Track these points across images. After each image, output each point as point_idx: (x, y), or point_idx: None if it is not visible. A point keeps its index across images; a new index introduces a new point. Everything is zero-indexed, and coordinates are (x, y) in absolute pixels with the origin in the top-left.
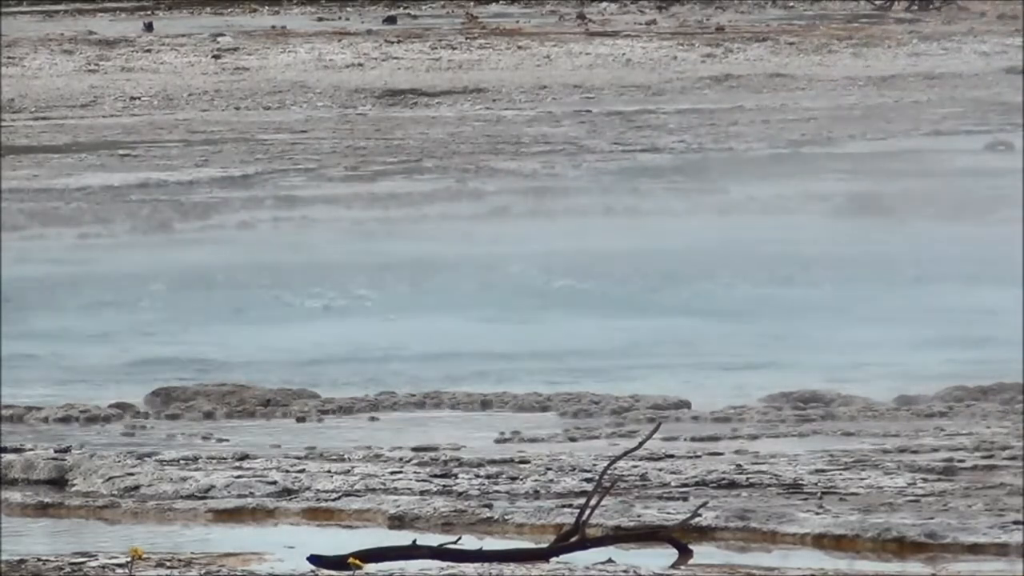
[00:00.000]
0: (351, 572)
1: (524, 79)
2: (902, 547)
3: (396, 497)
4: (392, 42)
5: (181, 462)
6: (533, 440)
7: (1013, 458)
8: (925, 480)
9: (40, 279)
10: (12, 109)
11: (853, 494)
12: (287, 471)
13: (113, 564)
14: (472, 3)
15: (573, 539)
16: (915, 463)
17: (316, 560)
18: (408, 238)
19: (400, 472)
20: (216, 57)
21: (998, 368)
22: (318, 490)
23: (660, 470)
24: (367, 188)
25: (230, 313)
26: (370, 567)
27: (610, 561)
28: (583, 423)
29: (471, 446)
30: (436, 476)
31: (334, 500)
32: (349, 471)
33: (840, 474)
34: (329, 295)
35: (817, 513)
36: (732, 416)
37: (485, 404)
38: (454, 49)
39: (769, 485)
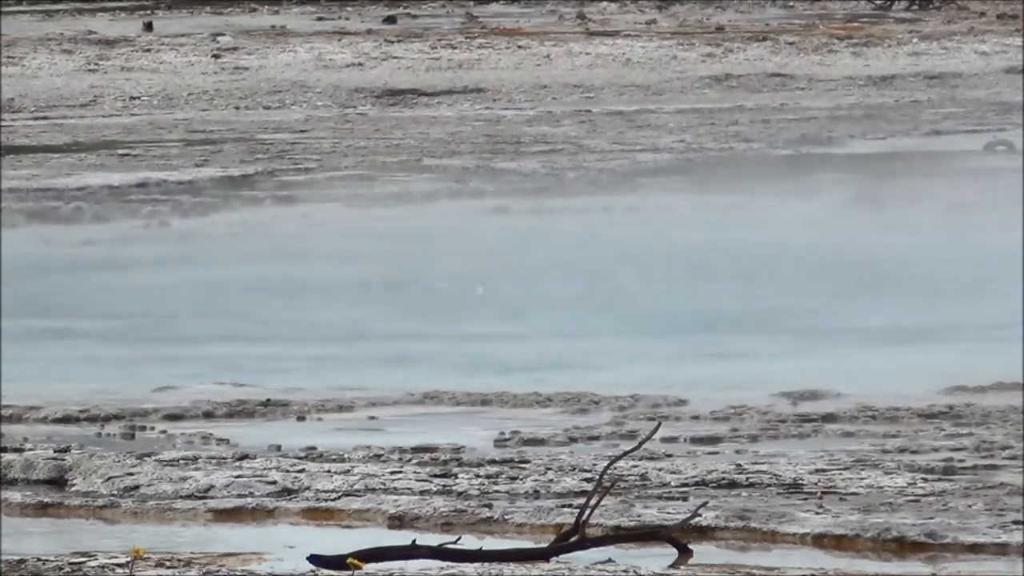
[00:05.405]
0: (351, 572)
1: (524, 79)
2: (902, 547)
3: (396, 497)
4: (392, 42)
5: (181, 462)
6: (533, 440)
7: (1013, 458)
8: (925, 480)
9: None
10: (12, 109)
11: (853, 494)
12: (287, 471)
13: (113, 564)
14: (472, 3)
15: (573, 539)
16: (915, 463)
17: (316, 560)
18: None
19: (400, 472)
20: (216, 57)
21: (997, 368)
22: (318, 490)
23: (660, 470)
24: (367, 188)
25: None
26: (370, 567)
27: (610, 561)
28: (583, 422)
29: (471, 446)
30: (436, 476)
31: (334, 500)
32: (349, 471)
33: (840, 474)
34: None
35: (817, 513)
36: (732, 416)
37: (485, 403)
38: (454, 49)
39: (769, 485)
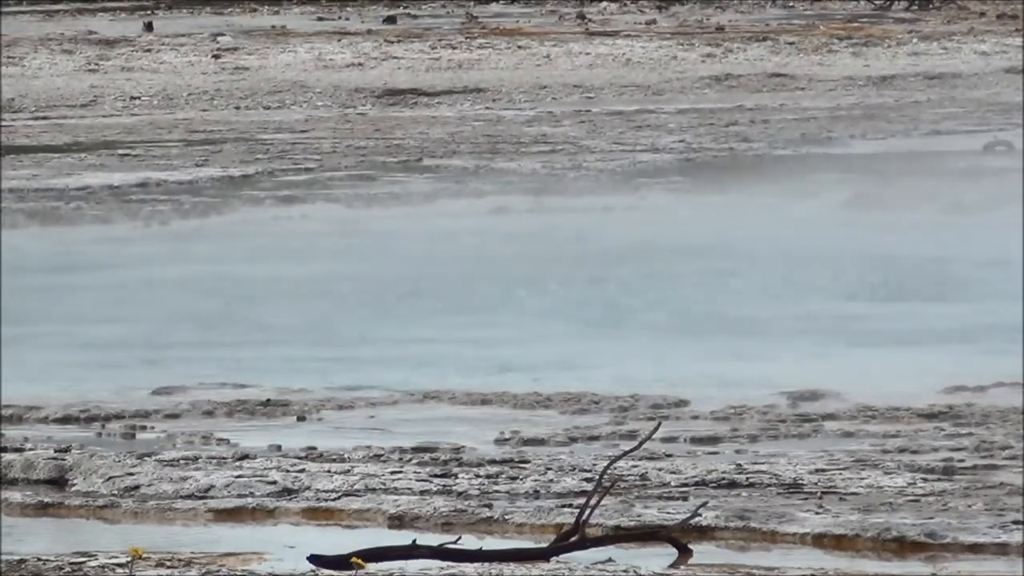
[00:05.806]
0: (351, 572)
1: (524, 79)
2: (902, 547)
3: (396, 497)
4: (392, 42)
5: (181, 462)
6: (533, 440)
7: (1013, 458)
8: (925, 480)
9: None
10: (12, 109)
11: (853, 494)
12: (287, 471)
13: (113, 564)
14: (472, 3)
15: (573, 539)
16: (915, 463)
17: (316, 560)
18: None
19: (400, 472)
20: (216, 57)
21: (997, 368)
22: (318, 490)
23: (660, 470)
24: (367, 188)
25: None
26: (370, 567)
27: (610, 561)
28: (583, 422)
29: (471, 446)
30: (436, 476)
31: (334, 500)
32: (349, 471)
33: (840, 474)
34: None
35: (817, 513)
36: (732, 416)
37: (485, 403)
38: (454, 49)
39: (769, 485)
